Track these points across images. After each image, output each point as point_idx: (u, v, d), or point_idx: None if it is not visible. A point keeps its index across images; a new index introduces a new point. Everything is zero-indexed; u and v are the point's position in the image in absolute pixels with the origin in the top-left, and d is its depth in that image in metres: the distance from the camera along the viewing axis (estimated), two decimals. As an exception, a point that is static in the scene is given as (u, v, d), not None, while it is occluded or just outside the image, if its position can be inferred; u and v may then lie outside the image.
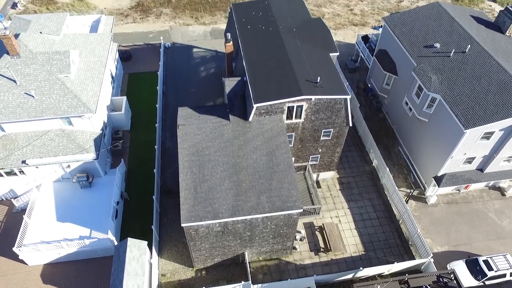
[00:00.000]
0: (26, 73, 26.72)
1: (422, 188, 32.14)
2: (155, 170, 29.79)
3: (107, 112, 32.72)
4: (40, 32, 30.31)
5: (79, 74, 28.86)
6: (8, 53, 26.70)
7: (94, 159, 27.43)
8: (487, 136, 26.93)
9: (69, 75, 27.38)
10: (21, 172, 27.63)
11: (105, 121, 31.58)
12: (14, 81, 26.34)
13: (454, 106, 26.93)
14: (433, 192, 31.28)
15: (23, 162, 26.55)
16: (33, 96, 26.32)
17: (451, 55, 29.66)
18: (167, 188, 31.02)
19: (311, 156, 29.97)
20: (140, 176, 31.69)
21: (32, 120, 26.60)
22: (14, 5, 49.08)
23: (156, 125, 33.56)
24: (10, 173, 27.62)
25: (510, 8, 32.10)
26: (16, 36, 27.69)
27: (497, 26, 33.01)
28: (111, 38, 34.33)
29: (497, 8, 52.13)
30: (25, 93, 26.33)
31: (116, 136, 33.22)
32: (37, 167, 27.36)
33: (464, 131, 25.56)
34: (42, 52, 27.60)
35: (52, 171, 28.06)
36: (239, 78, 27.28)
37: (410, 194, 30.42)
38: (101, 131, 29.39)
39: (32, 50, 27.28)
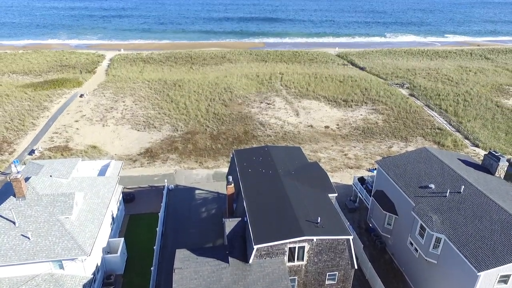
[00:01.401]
0: (28, 215, 26.86)
1: None
2: (144, 322, 26.84)
3: (102, 254, 31.49)
4: (50, 176, 31.78)
5: (80, 215, 28.98)
6: (15, 195, 27.43)
7: (79, 309, 25.06)
8: (504, 279, 25.19)
9: (70, 216, 27.48)
10: (-4, 324, 24.88)
11: (98, 264, 30.10)
12: (13, 223, 26.25)
13: (462, 247, 26.04)
14: None
15: (1, 312, 24.21)
16: (28, 238, 25.81)
17: (447, 195, 30.30)
18: None
19: (317, 304, 27.44)
20: (127, 329, 28.32)
21: (21, 264, 25.41)
22: (31, 152, 52.86)
23: (152, 268, 31.82)
24: (-17, 326, 24.85)
25: (493, 152, 34.44)
26: (27, 179, 28.97)
27: (485, 168, 34.73)
28: (117, 181, 35.77)
29: (481, 152, 55.83)
30: (22, 234, 25.93)
31: (107, 281, 31.11)
32: (14, 319, 24.78)
33: (478, 274, 24.06)
34: (48, 194, 28.39)
35: (30, 323, 25.26)
36: (239, 219, 27.27)
37: None
38: (93, 276, 27.70)
39: (38, 192, 28.11)
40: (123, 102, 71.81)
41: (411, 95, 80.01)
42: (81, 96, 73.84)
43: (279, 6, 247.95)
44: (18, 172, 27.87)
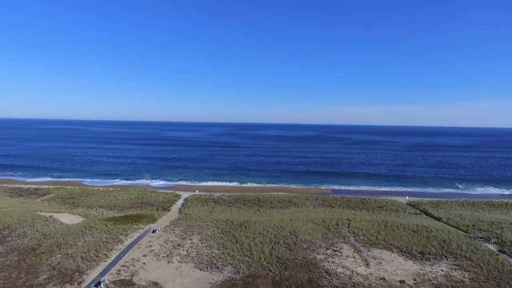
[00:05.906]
0: None
1: None
2: None
3: None
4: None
5: None
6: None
7: None
8: None
9: None
10: None
11: None
12: None
13: None
14: None
15: None
16: None
17: None
18: None
19: None
20: None
21: None
22: (97, 284, 53.91)
23: None
24: None
25: None
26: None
27: None
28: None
29: None
30: None
31: None
32: None
33: None
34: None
35: None
36: None
37: None
38: None
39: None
40: (191, 240, 73.59)
41: (501, 251, 70.55)
42: (154, 232, 77.76)
43: (345, 158, 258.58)
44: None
